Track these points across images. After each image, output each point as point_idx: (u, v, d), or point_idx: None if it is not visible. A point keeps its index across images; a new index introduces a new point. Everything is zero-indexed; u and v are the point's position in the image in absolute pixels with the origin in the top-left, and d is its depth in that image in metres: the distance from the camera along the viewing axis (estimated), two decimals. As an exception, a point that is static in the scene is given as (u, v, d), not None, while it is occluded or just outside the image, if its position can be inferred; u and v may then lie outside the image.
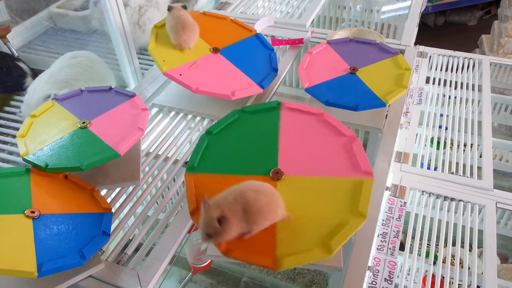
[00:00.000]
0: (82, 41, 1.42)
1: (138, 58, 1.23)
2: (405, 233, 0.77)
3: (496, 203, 0.81)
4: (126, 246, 0.69)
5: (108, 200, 0.76)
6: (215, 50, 0.95)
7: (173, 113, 0.95)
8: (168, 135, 0.89)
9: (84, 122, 0.77)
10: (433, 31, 3.18)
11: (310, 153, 0.68)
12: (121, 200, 0.77)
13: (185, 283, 1.04)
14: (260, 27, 1.18)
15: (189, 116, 0.93)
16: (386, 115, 0.90)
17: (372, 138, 0.92)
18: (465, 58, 1.20)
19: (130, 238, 0.71)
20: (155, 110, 0.96)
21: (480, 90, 1.10)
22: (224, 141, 0.71)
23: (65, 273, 0.61)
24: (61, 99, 0.84)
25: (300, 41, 1.10)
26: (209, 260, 0.98)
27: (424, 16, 3.20)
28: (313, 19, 1.28)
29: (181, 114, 0.94)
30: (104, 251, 0.68)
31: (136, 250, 0.68)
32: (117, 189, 0.78)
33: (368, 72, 0.88)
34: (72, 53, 1.09)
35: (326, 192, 0.63)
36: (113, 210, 0.73)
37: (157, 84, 1.01)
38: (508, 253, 1.10)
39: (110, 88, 0.85)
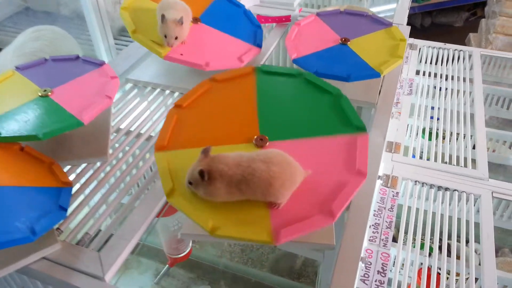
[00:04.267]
0: (57, 23, 1.33)
1: (116, 39, 1.16)
2: (397, 227, 0.73)
3: (492, 192, 0.78)
4: (90, 227, 0.61)
5: (72, 177, 0.68)
6: (195, 20, 0.88)
7: (149, 88, 0.87)
8: (142, 111, 0.81)
9: (45, 90, 0.69)
10: (420, 32, 3.17)
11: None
12: (87, 176, 0.68)
13: (160, 276, 0.95)
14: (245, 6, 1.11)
15: (167, 92, 0.86)
16: (380, 91, 0.83)
17: (365, 116, 0.86)
18: (455, 50, 1.18)
19: (95, 218, 0.62)
20: (129, 85, 0.88)
21: (471, 81, 1.07)
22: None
23: (15, 254, 0.53)
24: (22, 68, 0.76)
25: (287, 18, 1.04)
26: (188, 250, 0.90)
27: (410, 17, 3.20)
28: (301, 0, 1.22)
29: (158, 90, 0.86)
30: (63, 231, 0.60)
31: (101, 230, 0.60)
32: (83, 166, 0.70)
33: (360, 43, 0.81)
34: (35, 27, 1.01)
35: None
36: (77, 188, 0.65)
37: (132, 60, 0.93)
38: (505, 247, 1.06)
39: (78, 57, 0.77)
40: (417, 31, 3.16)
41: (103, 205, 0.64)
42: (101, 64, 0.75)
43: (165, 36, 0.79)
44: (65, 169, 0.68)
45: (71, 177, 0.67)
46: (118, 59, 0.95)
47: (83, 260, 0.55)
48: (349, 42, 0.81)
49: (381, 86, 0.84)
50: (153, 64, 0.91)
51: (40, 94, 0.68)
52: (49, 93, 0.68)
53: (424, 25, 3.28)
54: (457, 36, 3.08)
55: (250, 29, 0.92)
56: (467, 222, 0.73)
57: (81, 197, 0.65)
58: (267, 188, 0.50)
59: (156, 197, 0.63)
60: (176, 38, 0.80)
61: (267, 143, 0.58)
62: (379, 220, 0.71)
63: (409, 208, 0.75)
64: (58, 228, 0.60)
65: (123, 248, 0.56)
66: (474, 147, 0.89)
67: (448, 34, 3.19)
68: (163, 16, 0.78)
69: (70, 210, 0.63)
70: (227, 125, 0.62)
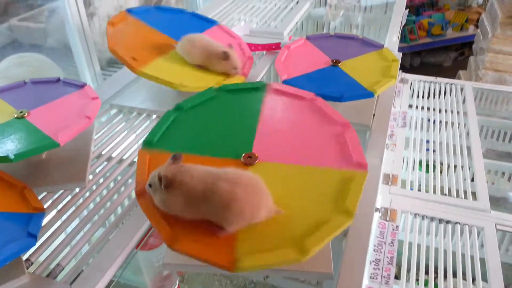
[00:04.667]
0: (43, 54, 1.32)
1: (103, 69, 1.13)
2: (399, 264, 0.69)
3: (495, 224, 0.74)
4: (64, 257, 0.55)
5: (48, 204, 0.62)
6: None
7: (134, 113, 0.83)
8: (125, 136, 0.77)
9: (21, 112, 0.65)
10: (410, 71, 3.22)
11: (294, 140, 0.58)
12: (64, 202, 0.63)
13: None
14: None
15: (154, 116, 0.82)
16: (374, 114, 0.80)
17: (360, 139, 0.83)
18: (447, 83, 1.17)
19: (72, 245, 0.57)
20: (114, 111, 0.84)
21: (465, 114, 1.06)
22: (194, 119, 0.61)
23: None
24: (-1, 90, 0.72)
25: (277, 46, 1.02)
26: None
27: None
28: (291, 31, 1.22)
29: (143, 115, 0.83)
30: (33, 263, 0.54)
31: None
32: (61, 192, 0.65)
33: (352, 65, 0.79)
34: (19, 54, 0.98)
35: (307, 184, 0.52)
36: (52, 215, 0.60)
37: (119, 86, 0.90)
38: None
39: (58, 79, 0.74)
40: (407, 71, 3.21)
41: (80, 233, 0.58)
42: (82, 85, 0.72)
43: (235, 68, 0.83)
44: (42, 195, 0.64)
45: (47, 204, 0.62)
46: (104, 85, 0.92)
47: (53, 293, 0.49)
48: (340, 64, 0.79)
49: (375, 108, 0.81)
50: (139, 90, 0.88)
51: (15, 116, 0.65)
52: (25, 115, 0.65)
53: (414, 65, 3.33)
54: (447, 74, 3.11)
55: (192, 18, 1.01)
56: (472, 257, 0.68)
57: (57, 225, 0.60)
58: (224, 210, 0.45)
59: (137, 224, 0.58)
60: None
61: (256, 160, 0.54)
62: (379, 255, 0.67)
63: (410, 244, 0.71)
64: (28, 259, 0.54)
65: (97, 280, 0.50)
66: (472, 180, 0.85)
67: (437, 73, 3.23)
68: (225, 53, 0.80)
69: (44, 238, 0.57)
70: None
